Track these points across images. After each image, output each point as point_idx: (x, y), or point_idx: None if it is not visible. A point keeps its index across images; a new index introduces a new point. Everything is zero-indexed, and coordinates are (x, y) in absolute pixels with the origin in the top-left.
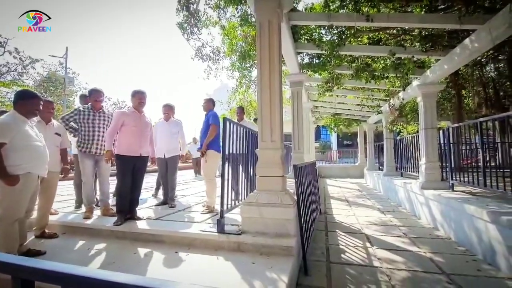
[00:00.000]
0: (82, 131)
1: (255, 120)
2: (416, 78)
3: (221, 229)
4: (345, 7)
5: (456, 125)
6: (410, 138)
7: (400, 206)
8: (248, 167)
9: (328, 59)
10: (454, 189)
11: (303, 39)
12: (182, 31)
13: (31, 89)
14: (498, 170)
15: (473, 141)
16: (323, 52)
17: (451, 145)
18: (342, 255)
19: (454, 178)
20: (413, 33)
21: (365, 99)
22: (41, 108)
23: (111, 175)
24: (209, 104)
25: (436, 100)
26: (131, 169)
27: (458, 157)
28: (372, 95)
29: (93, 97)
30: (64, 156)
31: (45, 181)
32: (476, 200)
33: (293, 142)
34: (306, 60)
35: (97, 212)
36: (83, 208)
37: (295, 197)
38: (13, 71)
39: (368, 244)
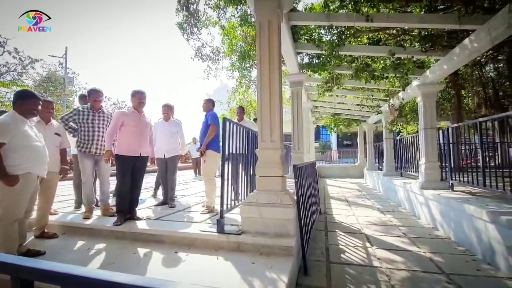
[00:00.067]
0: (82, 131)
1: (255, 120)
2: (416, 78)
3: (221, 229)
4: (345, 7)
5: (455, 125)
6: (410, 138)
7: (400, 206)
8: (248, 167)
9: (328, 59)
10: (454, 189)
11: (303, 39)
12: (182, 31)
13: (30, 89)
14: (497, 170)
15: (472, 141)
16: (323, 52)
17: (451, 145)
18: (342, 255)
19: (453, 178)
20: (413, 33)
21: (364, 99)
22: (40, 108)
23: (111, 175)
24: (209, 104)
25: (436, 100)
26: (130, 169)
27: (457, 157)
28: (372, 95)
29: (92, 97)
30: (63, 156)
31: (45, 181)
32: (475, 200)
33: (293, 142)
34: (306, 60)
35: (96, 212)
36: (83, 208)
37: (295, 197)
38: (12, 71)
39: (367, 244)
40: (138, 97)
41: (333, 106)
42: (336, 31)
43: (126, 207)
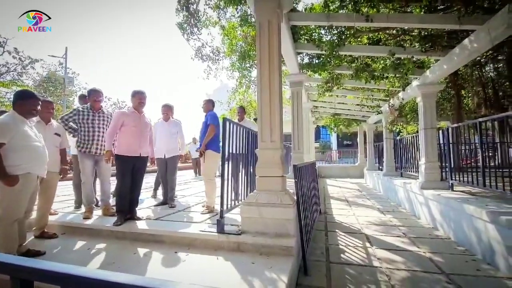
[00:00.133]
0: (82, 131)
1: (256, 119)
2: (416, 78)
3: (221, 229)
4: (345, 7)
5: (455, 125)
6: (410, 138)
7: (400, 206)
8: (248, 167)
9: (328, 59)
10: (454, 189)
11: (303, 39)
12: (182, 31)
13: (30, 89)
14: (497, 170)
15: (472, 141)
16: (323, 52)
17: (451, 145)
18: (342, 255)
19: (453, 178)
20: (413, 34)
21: (364, 99)
22: (39, 108)
23: (111, 175)
24: (209, 105)
25: (436, 100)
26: (130, 169)
27: (457, 157)
28: (372, 95)
29: (92, 97)
30: (63, 157)
31: (45, 181)
32: (475, 200)
33: (293, 142)
34: (306, 60)
35: (96, 212)
36: (83, 209)
37: (295, 197)
38: (12, 71)
39: (367, 244)
40: (138, 97)
41: (333, 106)
42: (336, 31)
43: (126, 207)
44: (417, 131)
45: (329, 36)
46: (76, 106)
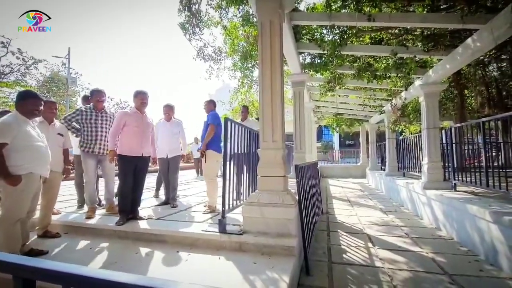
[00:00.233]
0: (85, 131)
1: (258, 119)
2: (419, 77)
3: (222, 229)
4: (347, 7)
5: (458, 125)
6: (413, 138)
7: (402, 206)
8: (250, 167)
9: (330, 59)
10: (457, 189)
11: (305, 39)
12: (184, 31)
13: (33, 89)
14: (500, 170)
15: (475, 141)
16: (325, 52)
17: (454, 145)
18: (344, 255)
19: (456, 178)
20: (415, 33)
21: (367, 99)
22: (41, 108)
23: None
24: (210, 105)
25: (439, 100)
26: (132, 169)
27: (460, 157)
28: (374, 95)
29: (95, 97)
30: (66, 157)
31: (48, 181)
32: (478, 200)
33: (295, 142)
34: (308, 60)
35: (99, 212)
36: (85, 208)
37: (297, 197)
38: (16, 71)
39: (370, 244)
40: (141, 98)
41: (335, 106)
42: (338, 31)
43: (129, 207)
44: (420, 131)
45: (331, 36)
46: (79, 106)
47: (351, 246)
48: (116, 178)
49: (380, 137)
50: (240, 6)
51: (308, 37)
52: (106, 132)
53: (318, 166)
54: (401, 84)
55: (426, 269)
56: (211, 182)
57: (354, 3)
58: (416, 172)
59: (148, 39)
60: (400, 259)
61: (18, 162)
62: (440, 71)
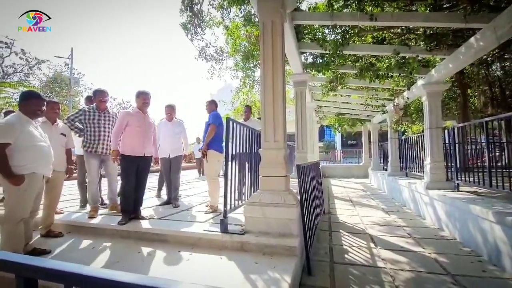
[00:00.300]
0: (88, 131)
1: (260, 119)
2: (421, 77)
3: (224, 229)
4: (349, 7)
5: (461, 124)
6: (415, 138)
7: (405, 206)
8: (251, 166)
9: (332, 58)
10: (459, 189)
11: (307, 38)
12: (186, 31)
13: (36, 89)
14: (504, 170)
15: (478, 141)
16: (327, 51)
17: (457, 145)
18: (346, 255)
19: (459, 178)
20: (418, 32)
21: (369, 99)
22: (44, 108)
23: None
24: (211, 105)
25: (441, 99)
26: (135, 169)
27: (463, 157)
28: (377, 95)
29: (98, 97)
30: (69, 156)
31: (51, 180)
32: (481, 200)
33: (296, 142)
34: (310, 59)
35: (101, 212)
36: (88, 208)
37: (298, 197)
38: (19, 72)
39: (372, 245)
40: (143, 98)
41: (337, 106)
42: (340, 31)
43: (131, 206)
44: (423, 131)
45: (333, 36)
46: (82, 107)
47: (353, 246)
48: (119, 178)
49: (382, 137)
50: (242, 6)
51: (310, 36)
52: (109, 132)
53: (320, 166)
54: (404, 84)
55: (429, 269)
56: (212, 182)
57: (356, 2)
58: (418, 172)
59: (149, 39)
60: (402, 259)
61: (21, 162)
62: (443, 71)
